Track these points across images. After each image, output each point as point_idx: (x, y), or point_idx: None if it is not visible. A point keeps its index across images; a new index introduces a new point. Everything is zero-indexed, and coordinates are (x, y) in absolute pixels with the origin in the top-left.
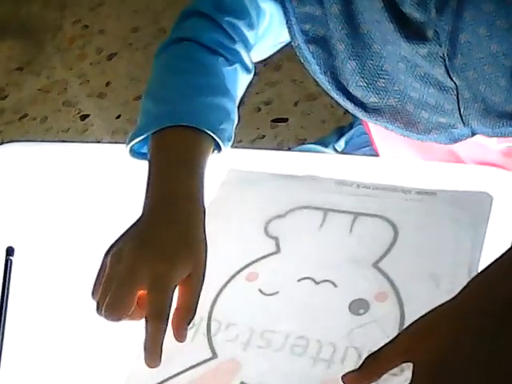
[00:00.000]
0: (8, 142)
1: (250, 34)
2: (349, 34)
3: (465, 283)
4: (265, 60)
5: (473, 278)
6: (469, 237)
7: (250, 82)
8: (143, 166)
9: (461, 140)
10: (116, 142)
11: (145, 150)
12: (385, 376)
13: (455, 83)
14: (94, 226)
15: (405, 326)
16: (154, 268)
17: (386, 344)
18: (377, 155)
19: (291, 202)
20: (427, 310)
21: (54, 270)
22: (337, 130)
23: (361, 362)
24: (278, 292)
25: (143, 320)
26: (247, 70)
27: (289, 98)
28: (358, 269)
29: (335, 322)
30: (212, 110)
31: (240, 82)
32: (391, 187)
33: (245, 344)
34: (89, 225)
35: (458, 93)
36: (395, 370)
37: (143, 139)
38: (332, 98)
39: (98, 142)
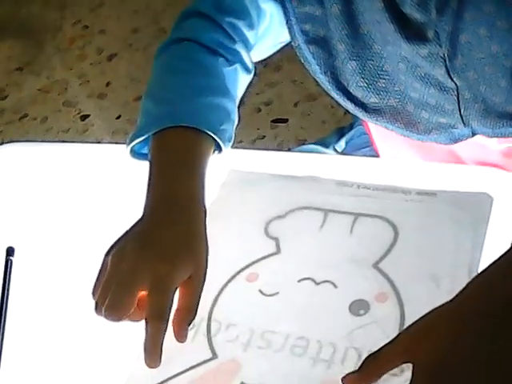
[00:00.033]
0: (8, 142)
1: (250, 34)
2: (349, 35)
3: (465, 284)
4: (265, 60)
5: (472, 279)
6: (469, 237)
7: (250, 83)
8: (143, 166)
9: (461, 140)
10: (116, 143)
11: (145, 150)
12: (385, 376)
13: (455, 83)
14: (94, 226)
15: (405, 327)
16: (154, 269)
17: (386, 344)
18: (377, 156)
19: (291, 203)
20: (427, 311)
21: (54, 271)
22: (337, 130)
23: (361, 362)
24: (278, 292)
25: (143, 321)
26: (247, 70)
27: (289, 99)
28: (359, 269)
29: (335, 323)
30: (212, 111)
31: (240, 82)
32: (391, 188)
33: (245, 344)
34: (89, 225)
35: (458, 93)
36: (395, 370)
37: (143, 140)
38: (332, 98)
39: (98, 143)
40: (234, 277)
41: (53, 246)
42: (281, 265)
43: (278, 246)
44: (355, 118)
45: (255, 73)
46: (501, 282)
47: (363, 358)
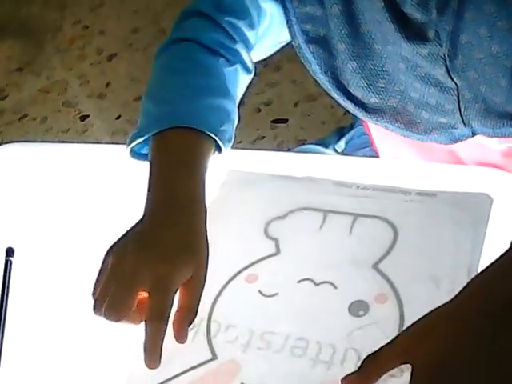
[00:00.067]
0: (8, 143)
1: (250, 34)
2: (349, 34)
3: (465, 284)
4: (265, 60)
5: (472, 279)
6: (469, 238)
7: (250, 83)
8: (143, 166)
9: (461, 140)
10: (116, 143)
11: (145, 150)
12: (384, 377)
13: (456, 83)
14: (93, 227)
15: (404, 328)
16: (155, 270)
17: (386, 345)
18: (377, 156)
19: (291, 203)
20: (427, 312)
21: (53, 271)
22: (337, 130)
23: (360, 363)
24: (277, 293)
25: (143, 323)
26: (247, 70)
27: (289, 99)
28: (358, 270)
29: (335, 324)
30: (213, 112)
31: (240, 82)
32: (391, 188)
33: (244, 345)
34: (89, 226)
35: (458, 93)
36: (394, 371)
37: (144, 140)
38: (332, 98)
39: (98, 143)
40: (233, 277)
41: (52, 246)
42: (280, 265)
43: (277, 246)
44: (355, 118)
45: (255, 73)
46: (501, 282)
47: (363, 358)
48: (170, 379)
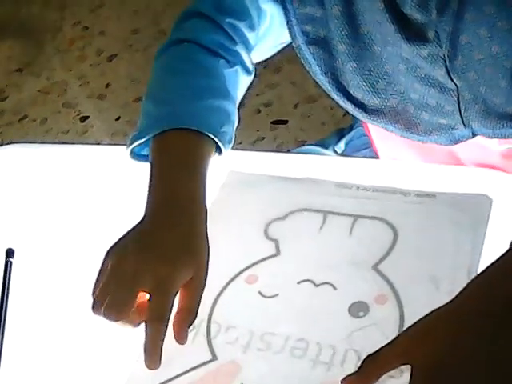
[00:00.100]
0: (8, 144)
1: (250, 35)
2: (349, 35)
3: (465, 285)
4: (265, 62)
5: (472, 279)
6: (468, 239)
7: (250, 84)
8: (143, 168)
9: (461, 141)
10: (116, 144)
11: (145, 151)
12: (383, 378)
13: (456, 84)
14: (93, 228)
15: (404, 329)
16: (156, 271)
17: (385, 346)
18: (377, 157)
19: (291, 205)
20: (427, 313)
21: (53, 272)
22: (337, 131)
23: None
24: (277, 294)
25: (143, 324)
26: (248, 71)
27: (289, 100)
28: (358, 271)
29: (335, 325)
30: (213, 113)
31: (240, 83)
32: (391, 189)
33: (244, 346)
34: (89, 227)
35: (458, 94)
36: (394, 372)
37: (144, 141)
38: (332, 99)
39: (98, 144)
40: (233, 278)
41: (53, 247)
42: (280, 266)
43: (277, 247)
44: (355, 119)
45: (255, 74)
46: (501, 282)
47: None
48: (170, 380)
